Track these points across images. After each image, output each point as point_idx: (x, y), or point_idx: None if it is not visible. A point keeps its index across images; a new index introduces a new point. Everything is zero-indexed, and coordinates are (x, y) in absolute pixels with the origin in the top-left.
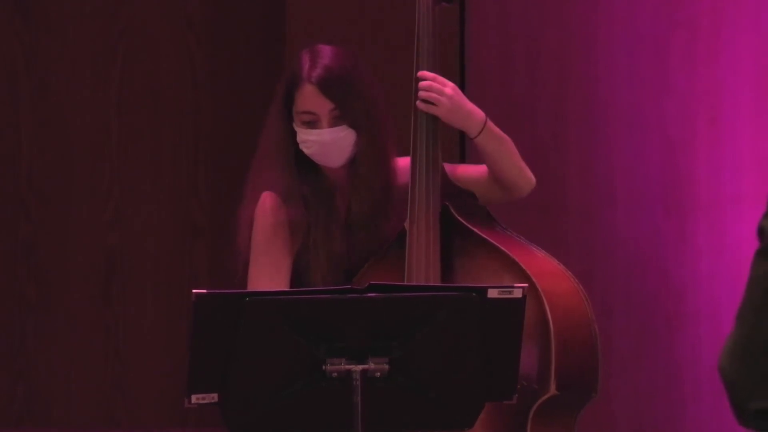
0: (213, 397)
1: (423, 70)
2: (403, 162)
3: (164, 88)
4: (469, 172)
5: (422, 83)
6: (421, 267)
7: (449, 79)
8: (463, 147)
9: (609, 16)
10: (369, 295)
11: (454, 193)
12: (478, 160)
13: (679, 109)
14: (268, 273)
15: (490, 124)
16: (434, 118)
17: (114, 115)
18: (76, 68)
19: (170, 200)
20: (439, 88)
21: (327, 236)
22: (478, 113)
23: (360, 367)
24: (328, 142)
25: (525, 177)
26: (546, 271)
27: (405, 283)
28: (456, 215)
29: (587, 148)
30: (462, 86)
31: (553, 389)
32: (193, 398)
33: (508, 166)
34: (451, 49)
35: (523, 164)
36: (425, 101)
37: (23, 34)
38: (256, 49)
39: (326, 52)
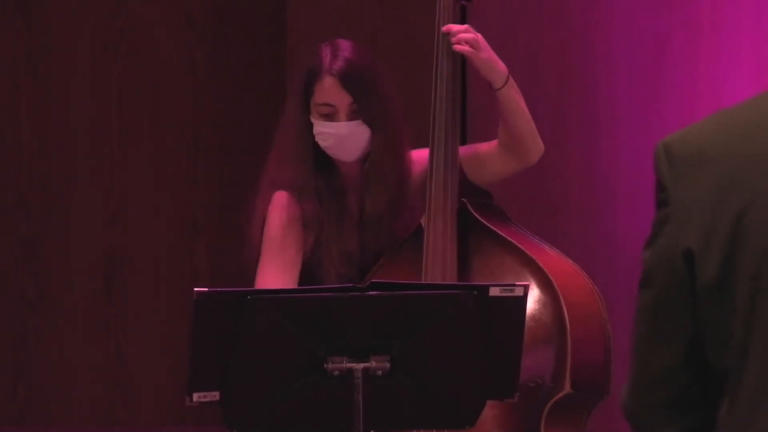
0: (214, 396)
1: (443, 70)
2: (417, 154)
3: (164, 87)
4: (478, 146)
5: (460, 27)
6: (438, 264)
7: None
8: (464, 136)
9: (609, 15)
10: (370, 293)
11: (471, 191)
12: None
13: (680, 108)
14: (277, 268)
15: (512, 78)
16: (453, 109)
17: (114, 114)
18: (76, 67)
19: (170, 198)
20: (475, 35)
21: (339, 232)
22: (503, 65)
23: (361, 365)
24: (345, 136)
25: (537, 141)
26: (562, 269)
27: (406, 282)
28: (473, 212)
29: (587, 147)
30: (462, 85)
31: (567, 387)
32: (195, 396)
33: (523, 123)
34: None
35: (535, 128)
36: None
37: (23, 33)
38: (256, 47)
39: (347, 46)
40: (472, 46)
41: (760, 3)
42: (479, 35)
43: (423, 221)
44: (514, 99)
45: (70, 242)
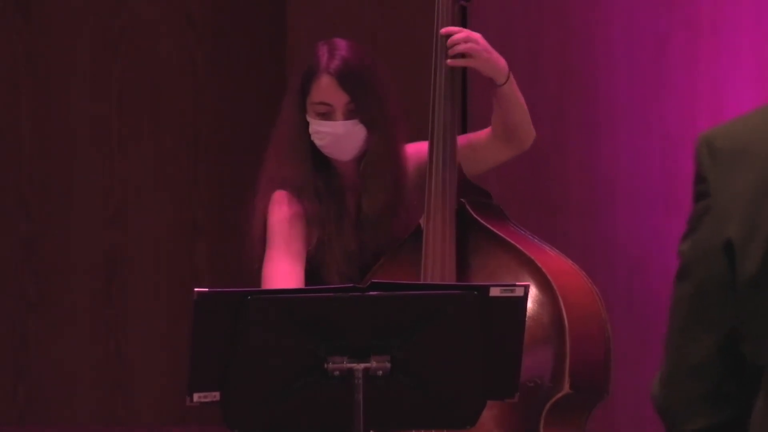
0: (215, 396)
1: (442, 69)
2: (412, 148)
3: (164, 87)
4: (472, 135)
5: (455, 37)
6: (437, 264)
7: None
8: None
9: (609, 15)
10: (371, 293)
11: (470, 191)
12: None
13: (680, 108)
14: (285, 257)
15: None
16: (452, 109)
17: (114, 114)
18: (76, 67)
19: (171, 198)
20: (474, 39)
21: (339, 232)
22: (503, 62)
23: (362, 365)
24: (342, 135)
25: (531, 129)
26: (561, 269)
27: (407, 282)
28: (472, 212)
29: (587, 147)
30: (463, 85)
31: (566, 388)
32: (195, 396)
33: (521, 115)
34: None
35: (529, 118)
36: (458, 56)
37: (23, 33)
38: (256, 47)
39: (344, 46)
40: (468, 54)
41: (760, 3)
42: (477, 36)
43: (422, 221)
44: (514, 94)
45: (70, 242)
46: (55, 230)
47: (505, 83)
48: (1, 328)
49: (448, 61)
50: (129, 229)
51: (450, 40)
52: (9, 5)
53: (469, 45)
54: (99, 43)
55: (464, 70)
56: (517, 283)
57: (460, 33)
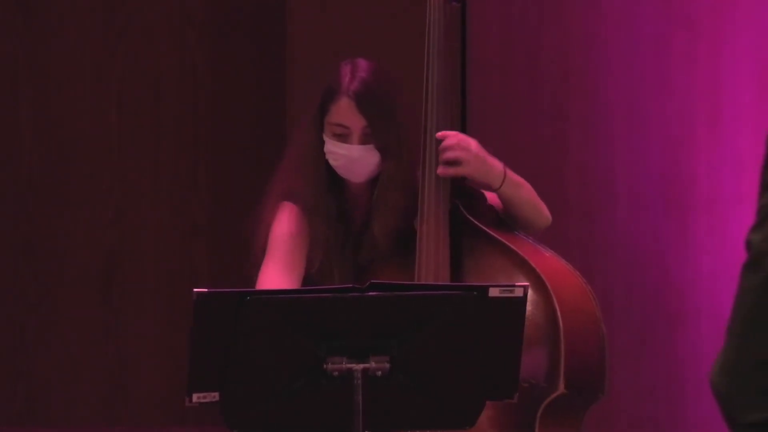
0: (214, 396)
1: (434, 70)
2: None
3: (164, 87)
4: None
5: (446, 143)
6: (431, 265)
7: (450, 77)
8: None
9: (609, 15)
10: (370, 294)
11: (464, 193)
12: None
13: (680, 108)
14: (280, 268)
15: (509, 172)
16: (445, 110)
17: (114, 114)
18: (76, 68)
19: (170, 199)
20: (465, 146)
21: (342, 255)
22: (498, 165)
23: (361, 365)
24: (356, 158)
25: (542, 216)
26: (555, 270)
27: (406, 282)
28: (466, 214)
29: (587, 147)
30: (463, 85)
31: (561, 388)
32: (194, 397)
33: (528, 209)
34: (452, 48)
35: (540, 204)
36: (449, 162)
37: (23, 34)
38: (256, 46)
39: (367, 68)
40: (459, 162)
41: (760, 3)
42: (471, 142)
43: (415, 223)
44: (515, 194)
45: (70, 243)
46: (54, 230)
47: (500, 186)
48: (1, 328)
49: (439, 169)
50: (129, 230)
51: (441, 146)
52: (9, 5)
53: (457, 152)
54: (99, 43)
55: (463, 70)
56: (516, 284)
57: (452, 138)
